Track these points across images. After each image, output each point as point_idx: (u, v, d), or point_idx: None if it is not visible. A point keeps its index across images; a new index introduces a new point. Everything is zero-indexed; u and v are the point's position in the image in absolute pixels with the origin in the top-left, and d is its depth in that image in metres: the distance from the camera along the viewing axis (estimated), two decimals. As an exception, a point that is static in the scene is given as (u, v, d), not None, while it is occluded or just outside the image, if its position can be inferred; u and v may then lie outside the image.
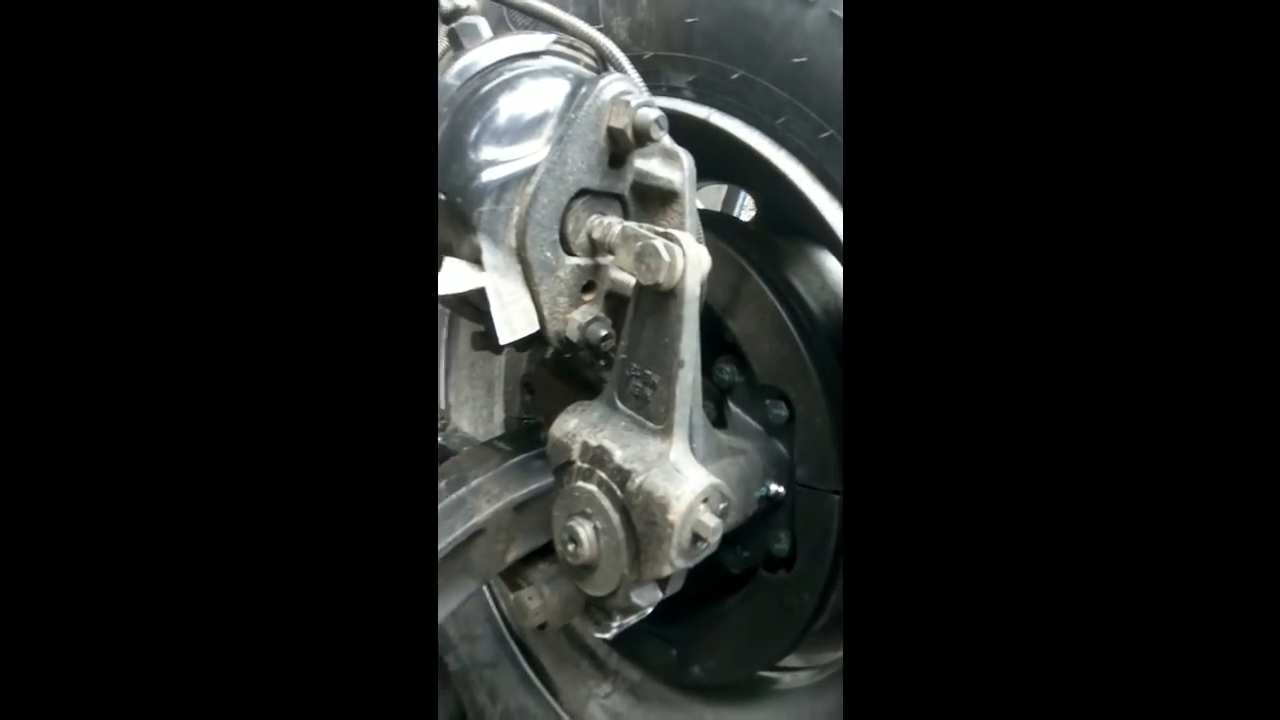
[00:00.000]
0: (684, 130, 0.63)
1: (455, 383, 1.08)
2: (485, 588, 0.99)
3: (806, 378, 0.63)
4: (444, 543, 0.60)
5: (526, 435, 0.71)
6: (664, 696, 0.86)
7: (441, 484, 0.66)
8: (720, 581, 0.75)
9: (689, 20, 0.61)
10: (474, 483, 0.65)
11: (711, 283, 0.64)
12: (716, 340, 0.69)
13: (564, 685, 0.92)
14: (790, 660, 0.82)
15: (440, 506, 0.63)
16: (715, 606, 0.76)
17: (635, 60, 0.66)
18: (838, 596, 0.67)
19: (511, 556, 0.67)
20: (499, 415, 1.09)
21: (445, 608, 0.63)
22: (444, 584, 0.63)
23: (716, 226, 0.72)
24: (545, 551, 0.68)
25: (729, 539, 0.70)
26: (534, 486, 0.64)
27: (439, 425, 1.03)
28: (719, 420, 0.70)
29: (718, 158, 0.64)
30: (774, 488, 0.64)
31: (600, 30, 0.69)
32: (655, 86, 0.66)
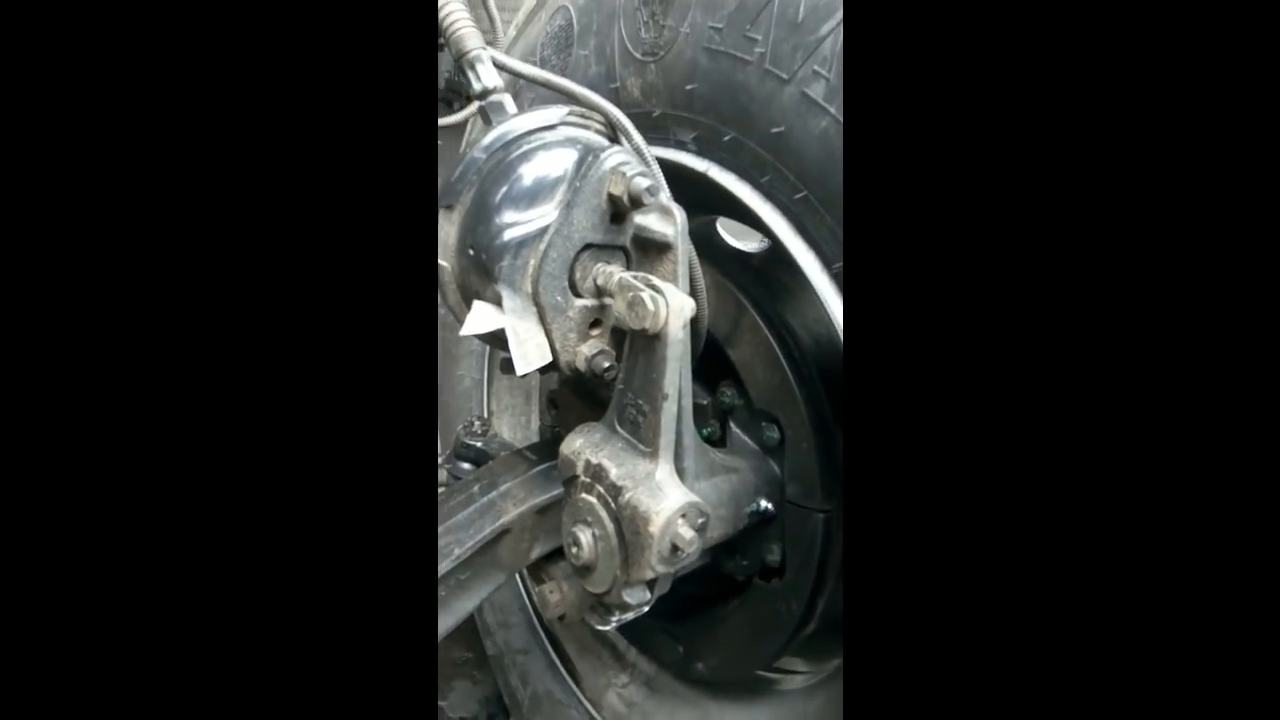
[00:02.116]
0: (688, 180, 0.70)
1: (496, 392, 1.18)
2: (519, 582, 1.09)
3: (795, 405, 0.69)
4: (475, 540, 0.70)
5: (550, 445, 0.80)
6: (675, 690, 0.94)
7: (475, 488, 0.75)
8: (724, 586, 0.82)
9: (689, 87, 0.68)
10: (503, 487, 0.74)
11: (714, 314, 0.71)
12: (720, 365, 0.76)
13: (586, 673, 1.00)
14: (793, 665, 0.88)
15: (473, 508, 0.72)
16: (718, 609, 0.83)
17: (645, 116, 0.74)
18: (824, 604, 0.73)
19: (535, 554, 0.76)
20: (535, 422, 1.18)
21: (475, 598, 0.73)
22: (474, 576, 0.73)
23: (723, 262, 0.78)
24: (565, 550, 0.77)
25: (730, 548, 0.77)
26: (555, 493, 0.73)
27: (481, 431, 1.14)
28: (721, 439, 0.77)
29: (717, 205, 0.71)
30: (764, 504, 0.71)
31: (616, 88, 0.77)
32: (664, 139, 0.74)
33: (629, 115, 0.69)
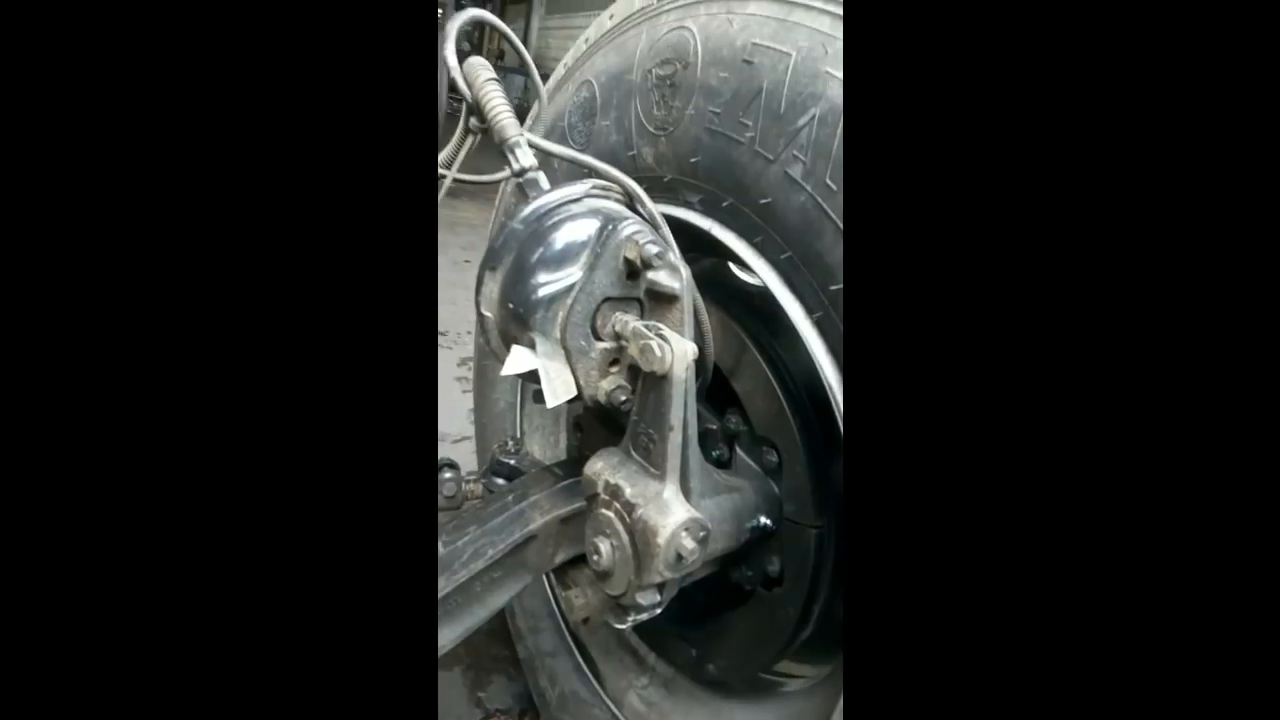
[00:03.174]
0: (694, 235, 0.81)
1: (529, 414, 1.29)
2: (548, 590, 1.19)
3: (790, 432, 0.78)
4: (506, 544, 0.80)
5: (575, 464, 0.90)
6: (691, 692, 1.02)
7: (509, 498, 0.87)
8: (731, 595, 0.91)
9: (693, 159, 0.79)
10: (532, 498, 0.85)
11: (720, 350, 0.81)
12: (727, 394, 0.86)
13: (609, 675, 1.09)
14: (798, 670, 0.96)
15: (505, 515, 0.83)
16: (725, 615, 0.92)
17: (658, 180, 0.85)
18: (819, 610, 0.81)
19: (559, 559, 0.86)
20: (563, 441, 1.29)
21: (506, 594, 0.83)
22: (506, 575, 0.83)
23: (728, 301, 0.88)
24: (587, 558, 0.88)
25: (736, 560, 0.86)
26: (577, 505, 0.84)
27: (514, 450, 1.25)
28: (728, 461, 0.87)
29: (722, 254, 0.81)
30: (764, 520, 0.80)
31: (633, 155, 0.89)
32: (674, 199, 0.85)
33: (644, 179, 0.81)
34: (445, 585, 0.77)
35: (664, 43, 0.84)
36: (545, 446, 1.30)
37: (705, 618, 0.94)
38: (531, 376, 0.72)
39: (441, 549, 0.80)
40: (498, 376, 1.28)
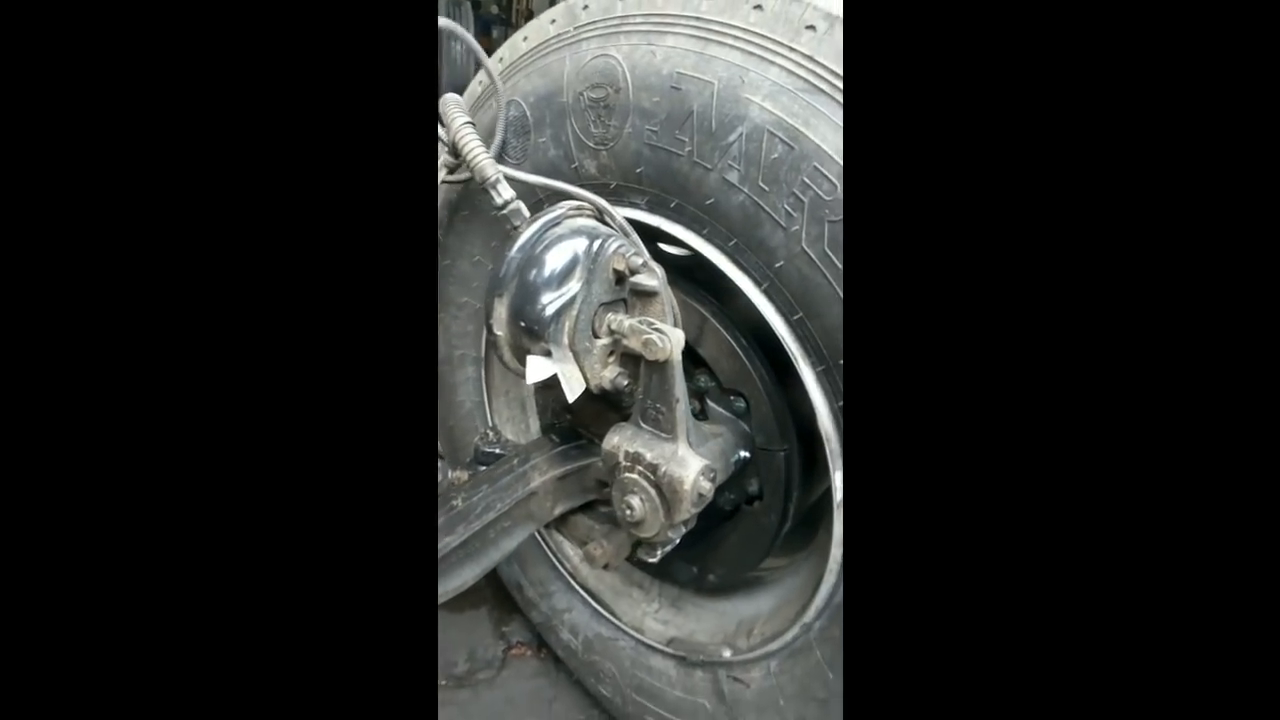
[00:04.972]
0: (645, 228, 0.95)
1: (496, 409, 1.40)
2: (552, 557, 1.34)
3: (753, 381, 0.98)
4: (512, 498, 0.96)
5: (568, 432, 1.07)
6: (695, 602, 1.22)
7: (514, 460, 1.02)
8: (720, 516, 1.11)
9: (638, 170, 0.93)
10: (533, 461, 1.01)
11: (686, 325, 0.98)
12: (695, 358, 1.04)
13: (624, 611, 1.27)
14: (773, 563, 1.20)
15: (510, 475, 0.99)
16: (718, 532, 1.13)
17: (604, 187, 0.98)
18: (792, 513, 1.04)
19: (557, 510, 1.03)
20: (534, 426, 1.41)
21: (514, 541, 0.98)
22: (514, 524, 0.99)
23: (689, 285, 1.04)
24: (585, 508, 1.06)
25: (722, 488, 1.06)
26: (570, 466, 1.01)
27: (495, 439, 1.36)
28: (702, 412, 1.05)
29: (671, 241, 0.97)
30: (743, 454, 1.00)
31: (575, 167, 1.01)
32: (621, 201, 0.98)
33: (589, 187, 0.94)
34: (465, 532, 0.92)
35: (591, 68, 0.95)
36: (518, 434, 1.42)
37: (701, 539, 1.14)
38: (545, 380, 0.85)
39: (460, 504, 0.96)
40: (460, 382, 1.37)
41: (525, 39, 1.06)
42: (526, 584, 1.40)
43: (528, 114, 1.05)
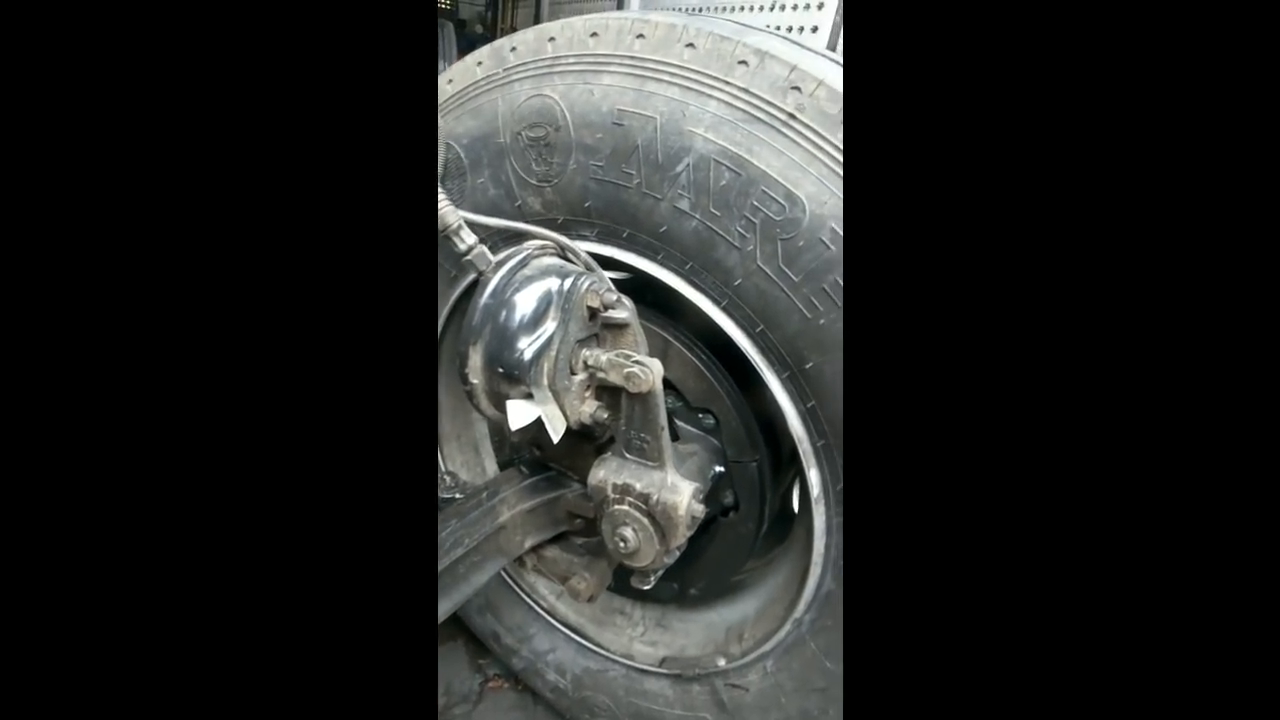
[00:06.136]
0: (601, 259, 0.97)
1: (449, 454, 1.36)
2: (527, 599, 1.31)
3: (721, 398, 1.01)
4: (481, 533, 0.95)
5: (536, 465, 1.07)
6: (681, 617, 1.24)
7: (483, 494, 1.00)
8: (697, 531, 1.13)
9: (586, 204, 0.94)
10: (501, 494, 1.00)
11: (650, 349, 1.00)
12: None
13: (609, 640, 1.26)
14: (752, 563, 1.24)
15: (480, 510, 0.98)
16: (695, 546, 1.15)
17: (551, 222, 0.98)
18: (767, 519, 1.08)
19: (528, 544, 1.03)
20: (490, 468, 1.38)
21: (485, 575, 0.97)
22: (485, 558, 0.97)
23: (652, 314, 1.06)
24: (558, 540, 1.06)
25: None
26: (540, 499, 1.00)
27: (453, 484, 1.32)
28: (673, 434, 1.07)
29: (623, 269, 0.99)
30: (718, 469, 1.03)
31: (519, 204, 1.01)
32: (569, 234, 0.99)
33: (535, 223, 0.94)
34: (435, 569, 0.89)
35: (527, 108, 0.95)
36: (474, 476, 1.38)
37: (680, 556, 1.16)
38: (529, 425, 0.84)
39: (429, 540, 0.93)
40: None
41: (450, 82, 1.04)
42: (503, 631, 1.35)
43: (462, 156, 1.03)
